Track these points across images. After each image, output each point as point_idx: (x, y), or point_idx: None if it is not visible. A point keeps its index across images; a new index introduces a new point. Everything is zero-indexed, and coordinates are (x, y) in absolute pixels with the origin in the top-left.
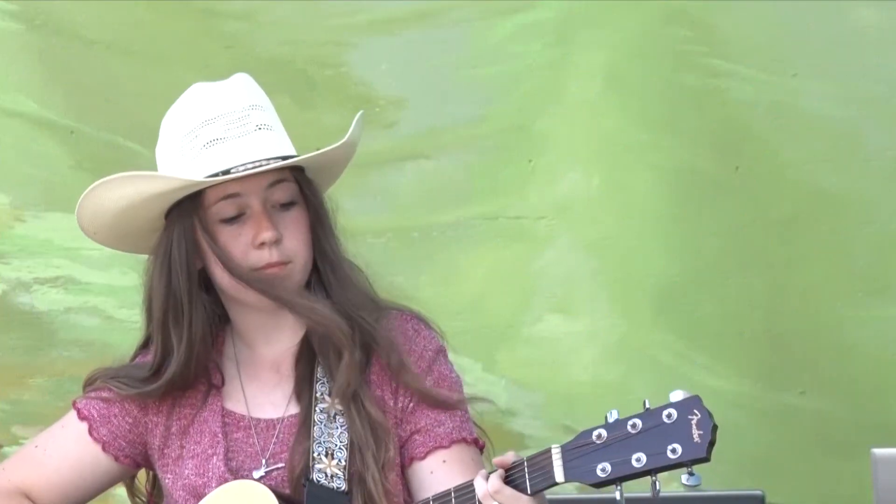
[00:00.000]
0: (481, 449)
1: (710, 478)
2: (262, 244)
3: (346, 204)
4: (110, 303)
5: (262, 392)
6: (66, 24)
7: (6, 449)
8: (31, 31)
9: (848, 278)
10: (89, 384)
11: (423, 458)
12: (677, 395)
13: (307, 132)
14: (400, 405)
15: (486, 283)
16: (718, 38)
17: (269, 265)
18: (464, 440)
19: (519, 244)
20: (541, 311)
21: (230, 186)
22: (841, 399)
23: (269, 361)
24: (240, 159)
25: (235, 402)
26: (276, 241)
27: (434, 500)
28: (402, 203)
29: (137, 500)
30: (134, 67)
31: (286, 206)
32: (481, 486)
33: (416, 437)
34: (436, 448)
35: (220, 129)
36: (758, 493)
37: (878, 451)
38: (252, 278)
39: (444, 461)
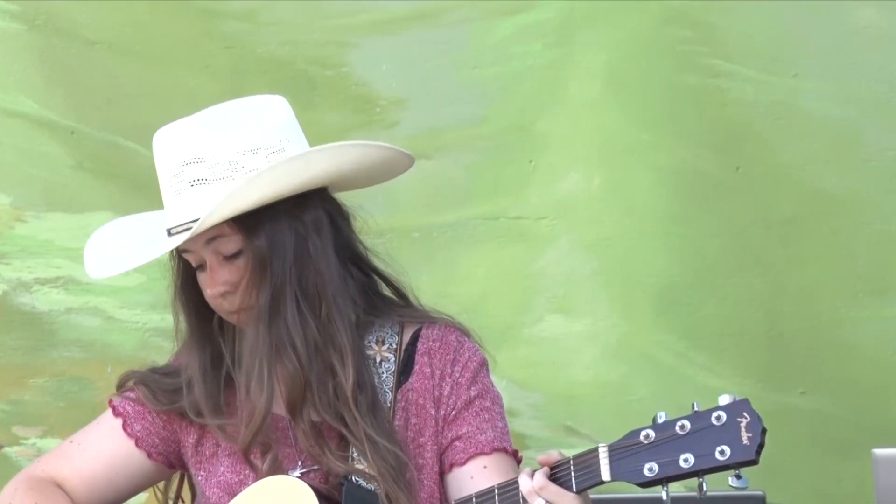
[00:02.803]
0: (518, 462)
1: (711, 478)
2: (214, 297)
3: (347, 204)
4: (111, 303)
5: None
6: (67, 25)
7: (6, 449)
8: (31, 32)
9: (848, 279)
10: (121, 385)
11: (464, 463)
12: (725, 399)
13: (308, 132)
14: (442, 413)
15: (486, 283)
16: (719, 39)
17: (229, 314)
18: (504, 449)
19: (519, 244)
20: (541, 311)
21: (181, 244)
22: (841, 399)
23: None
24: (174, 221)
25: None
26: (227, 293)
27: (477, 498)
28: (402, 203)
29: None
30: (135, 67)
31: (232, 257)
32: (526, 483)
33: (457, 443)
34: (477, 454)
35: (163, 187)
36: (758, 493)
37: (878, 451)
38: (230, 319)
39: (485, 467)
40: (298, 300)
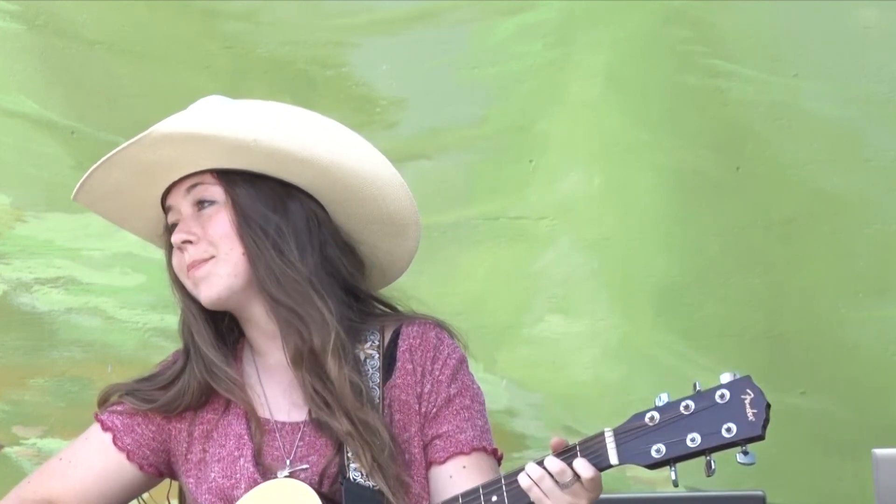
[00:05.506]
0: (499, 461)
1: (711, 478)
2: (179, 248)
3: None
4: (111, 303)
5: (283, 395)
6: (68, 25)
7: (6, 449)
8: (32, 32)
9: (848, 279)
10: (104, 401)
11: (443, 462)
12: (727, 377)
13: None
14: (423, 409)
15: (486, 283)
16: (719, 39)
17: (189, 266)
18: (484, 449)
19: (519, 244)
20: (541, 311)
21: (167, 199)
22: (842, 399)
23: (283, 365)
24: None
25: (259, 406)
26: (189, 242)
27: (463, 498)
28: None
29: None
30: (135, 68)
31: (203, 206)
32: (525, 478)
33: (438, 441)
34: (456, 454)
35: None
36: (759, 493)
37: (879, 451)
38: (186, 284)
39: (464, 467)
40: (266, 272)
